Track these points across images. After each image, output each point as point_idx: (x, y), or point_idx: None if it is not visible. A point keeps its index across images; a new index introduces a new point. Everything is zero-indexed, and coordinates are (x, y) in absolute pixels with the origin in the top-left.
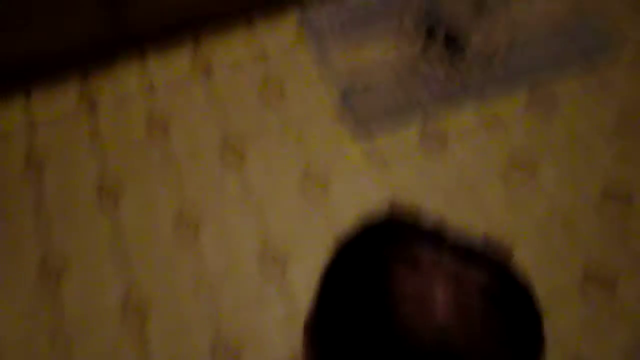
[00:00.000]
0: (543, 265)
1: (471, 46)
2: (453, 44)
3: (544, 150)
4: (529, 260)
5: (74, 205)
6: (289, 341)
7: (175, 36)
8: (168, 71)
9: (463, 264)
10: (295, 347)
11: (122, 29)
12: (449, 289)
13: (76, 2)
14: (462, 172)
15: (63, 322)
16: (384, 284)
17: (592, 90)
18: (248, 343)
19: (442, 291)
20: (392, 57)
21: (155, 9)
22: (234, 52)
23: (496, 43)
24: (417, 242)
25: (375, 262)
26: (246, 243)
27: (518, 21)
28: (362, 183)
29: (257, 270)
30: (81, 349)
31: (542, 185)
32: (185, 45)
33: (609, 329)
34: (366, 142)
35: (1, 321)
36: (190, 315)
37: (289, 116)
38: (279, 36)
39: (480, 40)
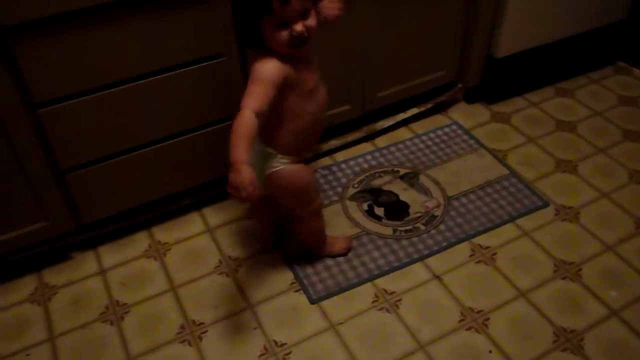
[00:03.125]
0: None
1: (410, 212)
2: (394, 213)
3: (493, 308)
4: None
5: None
6: None
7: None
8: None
9: None
10: None
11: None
12: None
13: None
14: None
15: None
16: None
17: (525, 245)
18: None
19: None
20: None
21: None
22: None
23: (433, 205)
24: None
25: None
26: None
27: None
28: None
29: None
30: None
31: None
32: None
33: None
34: None
35: None
36: None
37: None
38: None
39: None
